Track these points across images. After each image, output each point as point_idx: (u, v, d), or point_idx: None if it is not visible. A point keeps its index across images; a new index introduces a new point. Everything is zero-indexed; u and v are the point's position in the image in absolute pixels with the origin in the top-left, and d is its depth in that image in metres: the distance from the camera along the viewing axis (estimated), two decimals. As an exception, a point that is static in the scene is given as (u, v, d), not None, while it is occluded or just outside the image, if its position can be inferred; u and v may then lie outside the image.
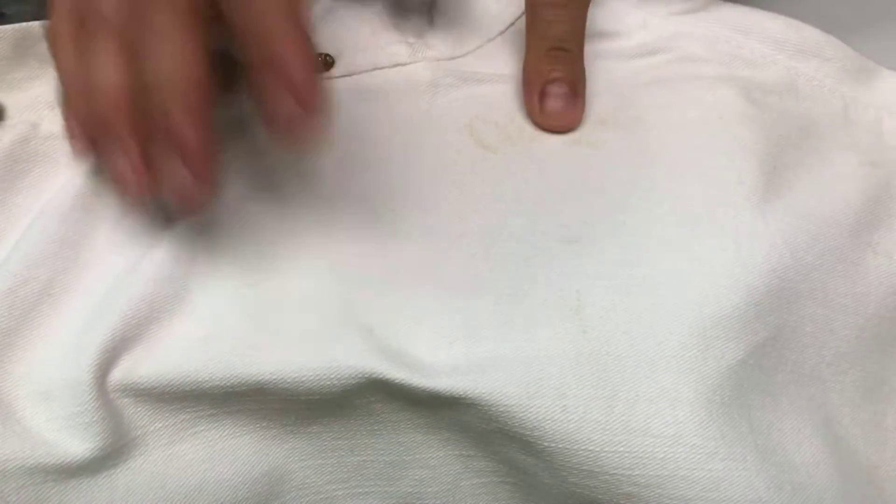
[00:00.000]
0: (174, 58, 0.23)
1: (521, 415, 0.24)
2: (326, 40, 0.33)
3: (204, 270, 0.27)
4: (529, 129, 0.31)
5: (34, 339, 0.26)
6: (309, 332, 0.26)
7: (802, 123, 0.30)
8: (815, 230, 0.27)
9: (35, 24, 0.31)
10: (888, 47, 0.37)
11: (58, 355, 0.26)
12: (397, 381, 0.25)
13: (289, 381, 0.25)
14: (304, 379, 0.25)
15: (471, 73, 0.32)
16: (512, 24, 0.33)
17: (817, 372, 0.27)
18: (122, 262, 0.28)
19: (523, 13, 0.33)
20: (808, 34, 0.32)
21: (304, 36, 0.24)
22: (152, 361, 0.26)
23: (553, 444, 0.24)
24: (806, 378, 0.26)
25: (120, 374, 0.26)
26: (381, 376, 0.25)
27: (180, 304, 0.27)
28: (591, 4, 0.31)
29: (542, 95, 0.31)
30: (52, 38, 0.26)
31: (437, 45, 0.33)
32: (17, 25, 0.31)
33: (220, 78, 0.25)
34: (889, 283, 0.28)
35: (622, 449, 0.24)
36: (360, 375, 0.25)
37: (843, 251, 0.28)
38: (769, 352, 0.26)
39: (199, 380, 0.25)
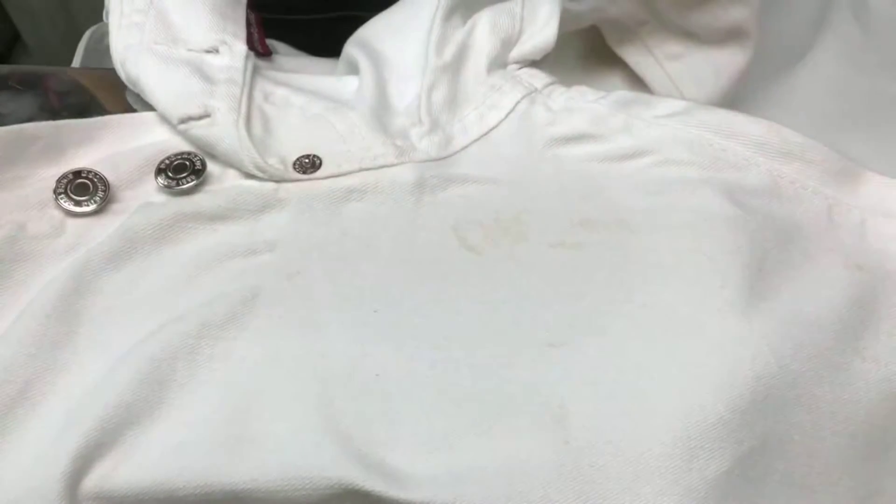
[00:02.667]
0: None
1: None
2: (314, 142, 0.33)
3: (183, 374, 0.27)
4: (513, 231, 0.31)
5: (8, 444, 0.26)
6: (286, 439, 0.26)
7: (786, 226, 0.30)
8: (800, 336, 0.27)
9: (28, 126, 0.32)
10: (874, 146, 0.38)
11: (29, 462, 0.25)
12: (374, 492, 0.24)
13: (264, 490, 0.24)
14: (279, 489, 0.24)
15: (456, 173, 0.32)
16: (496, 126, 0.34)
17: (807, 482, 0.26)
18: (103, 364, 0.27)
19: (508, 114, 0.34)
20: (790, 137, 0.32)
21: None
22: (126, 468, 0.25)
23: None
24: (795, 489, 0.26)
25: (93, 481, 0.25)
26: (358, 487, 0.24)
27: (157, 408, 0.26)
28: (573, 109, 0.31)
29: None
30: None
31: (424, 147, 0.33)
32: (10, 127, 0.31)
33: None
34: (878, 390, 0.27)
35: None
36: (336, 486, 0.24)
37: (829, 357, 0.27)
38: (756, 462, 0.25)
39: (174, 488, 0.25)
